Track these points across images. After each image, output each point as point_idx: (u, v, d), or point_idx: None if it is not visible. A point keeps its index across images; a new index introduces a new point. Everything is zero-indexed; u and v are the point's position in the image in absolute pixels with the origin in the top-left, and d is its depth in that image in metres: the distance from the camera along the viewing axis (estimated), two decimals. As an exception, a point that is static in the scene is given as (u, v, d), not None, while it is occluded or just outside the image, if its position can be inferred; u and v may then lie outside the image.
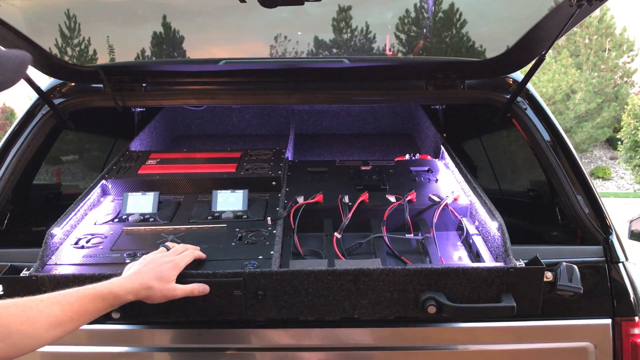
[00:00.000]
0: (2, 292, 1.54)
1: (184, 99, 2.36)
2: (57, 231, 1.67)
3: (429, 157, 2.44)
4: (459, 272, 1.45)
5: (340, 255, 1.71)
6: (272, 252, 1.60)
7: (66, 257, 1.63)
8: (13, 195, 2.10)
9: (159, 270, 1.38)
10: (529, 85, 2.18)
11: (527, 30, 1.97)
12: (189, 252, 1.50)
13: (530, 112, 2.15)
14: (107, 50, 2.32)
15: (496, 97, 2.21)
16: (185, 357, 1.73)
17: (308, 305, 1.47)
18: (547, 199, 2.18)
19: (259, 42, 2.37)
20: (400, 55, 2.41)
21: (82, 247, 1.69)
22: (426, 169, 2.23)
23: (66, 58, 2.22)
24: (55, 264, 1.59)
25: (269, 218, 1.80)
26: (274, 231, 1.73)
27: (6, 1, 1.94)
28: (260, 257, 1.58)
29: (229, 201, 1.89)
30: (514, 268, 1.45)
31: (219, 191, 1.93)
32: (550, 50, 2.15)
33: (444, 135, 2.55)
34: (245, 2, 1.84)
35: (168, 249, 1.51)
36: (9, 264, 1.52)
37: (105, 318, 1.41)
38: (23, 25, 2.06)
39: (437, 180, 2.13)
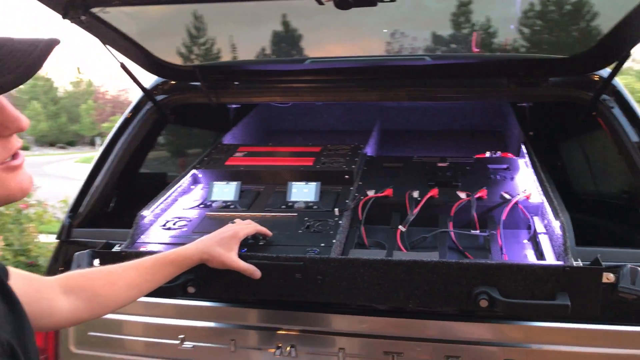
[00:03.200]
0: (98, 265, 1.78)
1: (271, 97, 2.53)
2: (146, 213, 1.88)
3: (509, 154, 2.41)
4: (514, 269, 1.46)
5: (402, 247, 1.77)
6: (333, 241, 1.70)
7: (154, 237, 1.84)
8: (119, 182, 2.37)
9: (220, 238, 1.54)
10: (617, 82, 2.09)
11: (616, 23, 1.90)
12: (251, 226, 1.66)
13: (617, 111, 2.07)
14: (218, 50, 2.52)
15: (580, 94, 2.15)
16: (244, 334, 1.89)
17: (364, 292, 1.55)
18: (636, 201, 2.09)
19: (377, 40, 2.45)
20: (487, 52, 2.40)
21: (169, 228, 1.89)
22: (505, 167, 2.22)
23: (192, 57, 2.47)
24: (143, 242, 1.80)
25: (336, 209, 1.90)
26: (340, 221, 1.82)
27: (119, 10, 2.18)
28: (322, 244, 1.68)
29: (303, 192, 2.01)
30: (570, 267, 1.43)
31: (293, 183, 2.05)
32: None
33: (530, 133, 2.50)
34: (323, 4, 1.95)
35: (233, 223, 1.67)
36: (105, 241, 1.75)
37: (182, 292, 1.60)
38: (133, 30, 2.31)
39: (512, 178, 2.11)
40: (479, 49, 2.35)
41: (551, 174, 2.07)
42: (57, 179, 18.82)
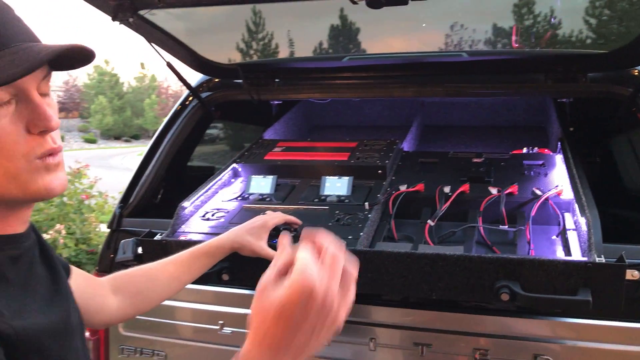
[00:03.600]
0: (141, 252, 1.90)
1: (310, 93, 2.60)
2: (186, 204, 2.00)
3: (546, 151, 2.39)
4: (535, 263, 1.48)
5: (429, 241, 1.80)
6: (361, 234, 1.75)
7: (193, 227, 1.95)
8: (166, 175, 2.50)
9: (250, 227, 1.64)
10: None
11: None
12: (280, 216, 1.74)
13: (658, 107, 2.03)
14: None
15: (620, 90, 2.11)
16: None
17: (389, 284, 1.60)
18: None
19: (417, 35, 2.48)
20: (525, 47, 2.39)
21: (208, 219, 2.00)
22: (540, 163, 2.21)
23: (236, 55, 2.58)
24: (183, 232, 1.91)
25: (366, 203, 1.95)
26: (369, 215, 1.88)
27: (165, 11, 2.30)
28: (350, 237, 1.74)
29: (335, 186, 2.08)
30: (591, 263, 1.43)
31: (327, 177, 2.12)
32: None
33: (570, 129, 2.47)
34: (357, 3, 2.00)
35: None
36: (148, 230, 1.88)
37: (217, 280, 1.70)
38: (179, 30, 2.43)
39: (547, 174, 2.10)
40: (519, 44, 2.34)
41: (590, 170, 2.05)
42: (121, 171, 19.62)
